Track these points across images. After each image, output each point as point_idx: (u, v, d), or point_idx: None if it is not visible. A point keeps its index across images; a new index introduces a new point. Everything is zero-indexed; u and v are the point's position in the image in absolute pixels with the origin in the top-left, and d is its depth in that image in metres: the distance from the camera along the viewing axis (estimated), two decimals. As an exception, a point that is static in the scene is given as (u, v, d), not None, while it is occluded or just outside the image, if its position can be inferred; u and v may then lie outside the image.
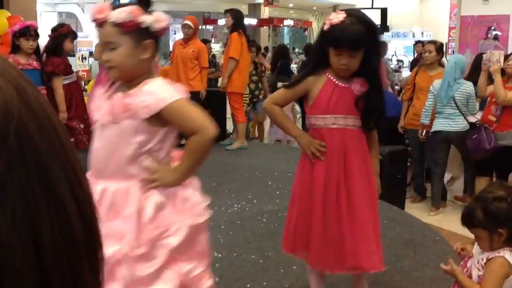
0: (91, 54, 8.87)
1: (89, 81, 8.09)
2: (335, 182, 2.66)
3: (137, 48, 1.94)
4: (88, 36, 10.97)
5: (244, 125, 7.41)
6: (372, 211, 2.70)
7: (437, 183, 5.87)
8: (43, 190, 0.35)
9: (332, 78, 2.64)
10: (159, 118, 1.91)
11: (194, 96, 6.93)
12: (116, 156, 1.94)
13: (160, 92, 1.91)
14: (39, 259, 0.34)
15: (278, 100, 2.83)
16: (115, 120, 1.93)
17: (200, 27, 10.09)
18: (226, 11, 7.24)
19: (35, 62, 5.38)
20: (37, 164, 0.35)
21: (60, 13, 18.13)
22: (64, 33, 5.70)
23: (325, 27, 2.59)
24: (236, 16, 7.04)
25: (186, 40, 7.01)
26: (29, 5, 8.52)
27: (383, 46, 10.19)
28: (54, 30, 5.79)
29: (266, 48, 10.25)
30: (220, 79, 7.31)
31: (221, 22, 9.56)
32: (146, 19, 1.93)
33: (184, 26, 7.07)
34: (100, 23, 1.94)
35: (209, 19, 21.67)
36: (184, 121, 1.93)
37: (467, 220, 2.28)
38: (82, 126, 5.59)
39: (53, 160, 0.36)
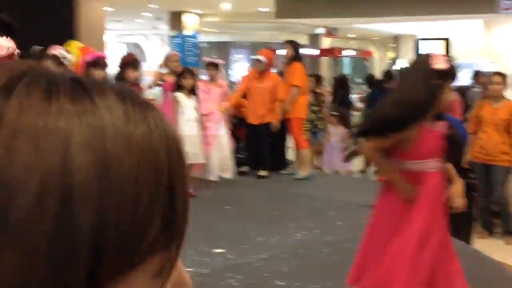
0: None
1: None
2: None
3: None
4: (151, 66, 11.27)
5: (308, 151, 7.35)
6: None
7: None
8: None
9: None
10: None
11: (267, 127, 7.01)
12: None
13: None
14: None
15: (379, 148, 2.79)
16: None
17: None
18: (286, 42, 7.41)
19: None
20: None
21: (127, 44, 18.78)
22: (126, 62, 5.81)
23: (442, 66, 2.62)
24: (296, 47, 7.29)
25: (261, 73, 7.12)
26: (98, 36, 8.93)
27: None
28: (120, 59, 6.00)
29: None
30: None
31: (279, 52, 9.73)
32: None
33: (255, 61, 7.25)
34: None
35: (269, 49, 21.86)
36: None
37: None
38: None
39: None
